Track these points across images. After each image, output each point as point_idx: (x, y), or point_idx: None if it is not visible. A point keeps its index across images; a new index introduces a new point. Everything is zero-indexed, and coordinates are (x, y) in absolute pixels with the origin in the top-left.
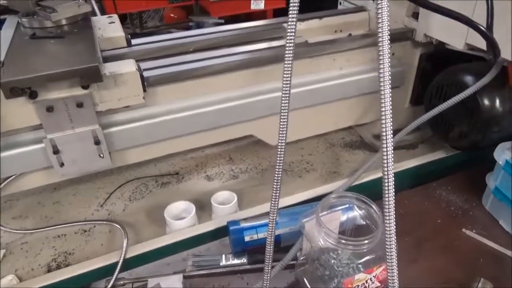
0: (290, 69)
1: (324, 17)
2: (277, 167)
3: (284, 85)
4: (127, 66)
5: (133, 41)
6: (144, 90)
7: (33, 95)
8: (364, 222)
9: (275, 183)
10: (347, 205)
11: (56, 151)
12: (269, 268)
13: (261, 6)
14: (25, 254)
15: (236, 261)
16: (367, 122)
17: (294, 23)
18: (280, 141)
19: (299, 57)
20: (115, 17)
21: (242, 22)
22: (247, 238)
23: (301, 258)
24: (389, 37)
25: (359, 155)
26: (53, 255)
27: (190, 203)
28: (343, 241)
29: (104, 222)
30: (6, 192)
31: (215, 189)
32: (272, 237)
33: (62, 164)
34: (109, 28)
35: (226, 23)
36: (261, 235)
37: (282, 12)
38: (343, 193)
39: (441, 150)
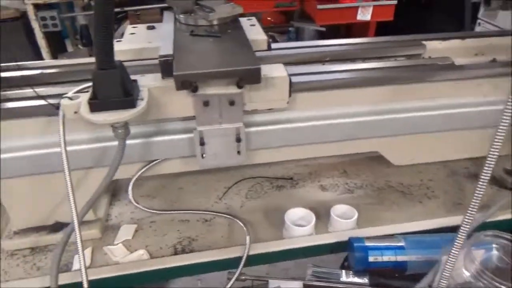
0: None
1: (466, 37)
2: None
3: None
4: (279, 70)
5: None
6: (289, 95)
7: (195, 89)
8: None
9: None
10: (491, 244)
11: (202, 143)
12: None
13: (367, 17)
14: (153, 233)
15: (357, 280)
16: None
17: None
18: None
19: (442, 79)
20: (254, 20)
21: (342, 32)
22: (371, 259)
23: None
24: None
25: (486, 189)
26: (178, 238)
27: (310, 212)
28: (496, 283)
29: (226, 216)
30: (147, 173)
31: (330, 201)
32: None
33: (203, 156)
34: (251, 30)
35: (328, 32)
36: (385, 258)
37: (385, 26)
38: (499, 233)
39: None
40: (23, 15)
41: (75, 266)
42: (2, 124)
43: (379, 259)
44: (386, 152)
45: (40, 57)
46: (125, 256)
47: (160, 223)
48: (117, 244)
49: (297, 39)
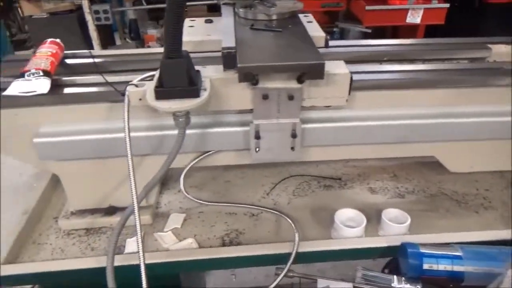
0: None
1: None
2: None
3: None
4: (341, 67)
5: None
6: (349, 93)
7: (256, 82)
8: None
9: None
10: None
11: (257, 137)
12: None
13: (417, 20)
14: (201, 223)
15: (410, 287)
16: None
17: None
18: None
19: (508, 84)
20: (311, 17)
21: (388, 34)
22: (425, 266)
23: None
24: None
25: None
26: (226, 230)
27: (360, 213)
28: None
29: (274, 211)
30: (200, 164)
31: (379, 204)
32: None
33: (257, 150)
34: (309, 27)
35: (373, 34)
36: (441, 267)
37: (434, 29)
38: None
39: None
40: (78, 8)
41: (127, 249)
42: (67, 107)
43: (434, 267)
44: (443, 158)
45: (92, 49)
46: (174, 243)
47: (208, 214)
48: (167, 231)
49: (341, 39)
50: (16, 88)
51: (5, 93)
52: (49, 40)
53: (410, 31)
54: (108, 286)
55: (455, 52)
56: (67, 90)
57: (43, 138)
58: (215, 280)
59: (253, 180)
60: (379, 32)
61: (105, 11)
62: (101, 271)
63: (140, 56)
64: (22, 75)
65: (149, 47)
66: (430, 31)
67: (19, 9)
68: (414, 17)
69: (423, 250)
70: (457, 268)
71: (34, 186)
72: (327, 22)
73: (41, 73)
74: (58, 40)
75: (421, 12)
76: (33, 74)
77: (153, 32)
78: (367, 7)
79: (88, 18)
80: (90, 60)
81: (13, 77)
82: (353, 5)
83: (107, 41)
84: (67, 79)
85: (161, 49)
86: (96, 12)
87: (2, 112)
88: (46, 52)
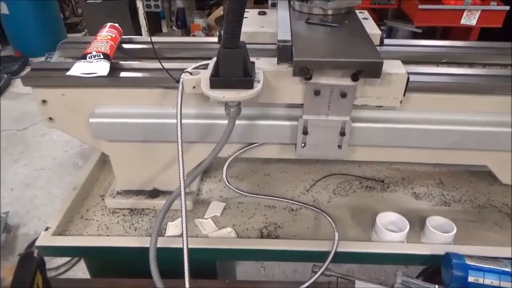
0: None
1: None
2: None
3: None
4: (398, 67)
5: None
6: (404, 94)
7: (310, 77)
8: None
9: None
10: None
11: (305, 132)
12: None
13: (473, 22)
14: (240, 213)
15: None
16: None
17: None
18: None
19: None
20: (366, 14)
21: (438, 36)
22: (470, 279)
23: None
24: None
25: None
26: (264, 223)
27: (403, 218)
28: None
29: (313, 208)
30: (243, 155)
31: (423, 210)
32: None
33: (303, 145)
34: (364, 24)
35: (423, 33)
36: (487, 281)
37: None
38: None
39: None
40: None
41: (168, 232)
42: (123, 91)
43: (480, 280)
44: (497, 168)
45: (140, 35)
46: (214, 231)
47: (247, 205)
48: (207, 218)
49: (389, 38)
50: (79, 69)
51: (69, 73)
52: (108, 24)
53: (463, 33)
54: (150, 266)
55: None
56: (123, 74)
57: (98, 118)
58: (244, 270)
59: (294, 175)
60: (429, 33)
61: None
62: (142, 250)
63: (191, 44)
64: (84, 57)
65: (194, 35)
66: (484, 34)
67: None
68: (470, 19)
69: (469, 262)
70: (504, 284)
71: (79, 164)
72: (375, 20)
73: (102, 56)
74: (116, 25)
75: (477, 14)
76: (94, 56)
77: (199, 21)
78: (420, 6)
79: (139, 4)
80: (145, 46)
81: (70, 58)
82: (404, 3)
83: (154, 28)
84: (124, 63)
85: (213, 39)
86: None
87: (64, 91)
88: (106, 36)
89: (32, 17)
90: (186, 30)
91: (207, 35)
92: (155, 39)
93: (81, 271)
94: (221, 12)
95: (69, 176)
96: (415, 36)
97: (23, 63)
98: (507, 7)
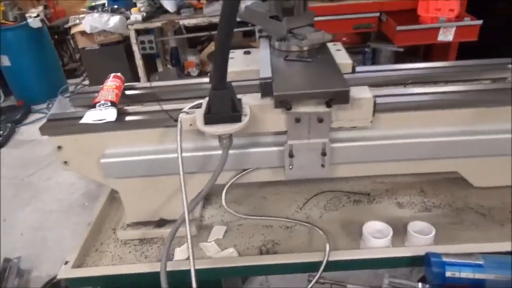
0: None
1: None
2: None
3: None
4: (364, 92)
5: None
6: (373, 115)
7: (290, 107)
8: None
9: None
10: None
11: (291, 155)
12: None
13: (449, 38)
14: (241, 235)
15: None
16: None
17: None
18: None
19: None
20: (339, 45)
21: (421, 53)
22: (448, 274)
23: None
24: None
25: None
26: (263, 241)
27: (387, 225)
28: None
29: (306, 224)
30: (239, 181)
31: (407, 217)
32: None
33: (291, 167)
34: (337, 55)
35: (405, 52)
36: (463, 275)
37: (470, 46)
38: None
39: None
40: (125, 40)
41: (176, 257)
42: (128, 133)
43: (457, 275)
44: (466, 173)
45: (137, 76)
46: (217, 252)
47: (246, 226)
48: (210, 241)
49: (374, 59)
50: (90, 116)
51: (81, 121)
52: (112, 74)
53: (443, 49)
54: (162, 287)
55: (477, 73)
56: (129, 118)
57: (108, 158)
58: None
59: (287, 196)
60: (411, 51)
61: (149, 41)
62: (153, 275)
63: (186, 86)
64: (93, 106)
65: (189, 72)
66: (464, 47)
67: (71, 41)
68: (446, 35)
69: (445, 259)
70: (478, 276)
71: (85, 204)
72: (360, 42)
73: (109, 104)
74: (119, 74)
75: (453, 30)
76: (103, 104)
77: (192, 58)
78: (398, 28)
79: (135, 48)
80: (144, 91)
81: (80, 107)
82: (384, 26)
83: (150, 68)
84: (128, 107)
85: (205, 79)
86: (142, 42)
87: (77, 137)
88: (111, 85)
89: (33, 67)
90: (180, 67)
91: (201, 70)
92: (154, 84)
93: None
94: (213, 47)
95: (76, 217)
96: (398, 55)
97: (26, 111)
98: (480, 21)
